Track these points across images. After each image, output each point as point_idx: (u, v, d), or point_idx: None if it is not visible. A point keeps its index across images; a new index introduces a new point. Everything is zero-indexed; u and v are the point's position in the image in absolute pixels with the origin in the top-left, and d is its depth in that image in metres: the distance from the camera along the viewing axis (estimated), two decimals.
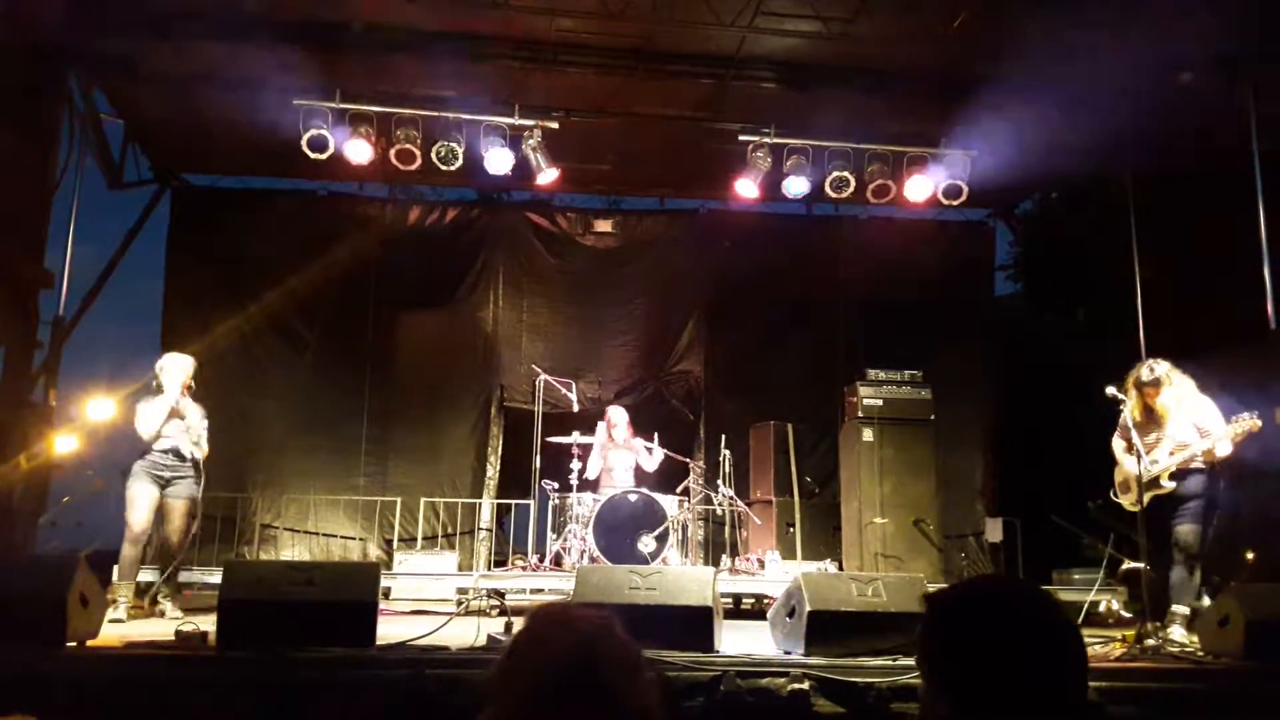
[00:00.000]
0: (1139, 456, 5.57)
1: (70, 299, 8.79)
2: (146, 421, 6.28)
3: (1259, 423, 5.42)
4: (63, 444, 7.99)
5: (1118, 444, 5.96)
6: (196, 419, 6.42)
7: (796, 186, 8.94)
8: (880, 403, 8.60)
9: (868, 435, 8.53)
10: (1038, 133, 8.66)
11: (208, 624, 4.74)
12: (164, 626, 5.50)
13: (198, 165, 10.30)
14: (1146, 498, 5.63)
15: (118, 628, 5.60)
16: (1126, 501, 5.85)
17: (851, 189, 8.85)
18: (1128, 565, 5.67)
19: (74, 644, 4.45)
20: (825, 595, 4.79)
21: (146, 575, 6.82)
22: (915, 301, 10.45)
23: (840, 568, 8.35)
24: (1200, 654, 5.05)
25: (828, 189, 8.86)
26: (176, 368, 6.41)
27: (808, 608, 4.69)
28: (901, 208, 9.45)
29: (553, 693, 1.44)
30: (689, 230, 10.79)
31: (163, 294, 10.02)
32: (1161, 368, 5.75)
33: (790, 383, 10.15)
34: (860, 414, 8.60)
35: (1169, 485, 5.67)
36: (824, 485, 9.50)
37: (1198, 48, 7.62)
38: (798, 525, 8.80)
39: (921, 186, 8.95)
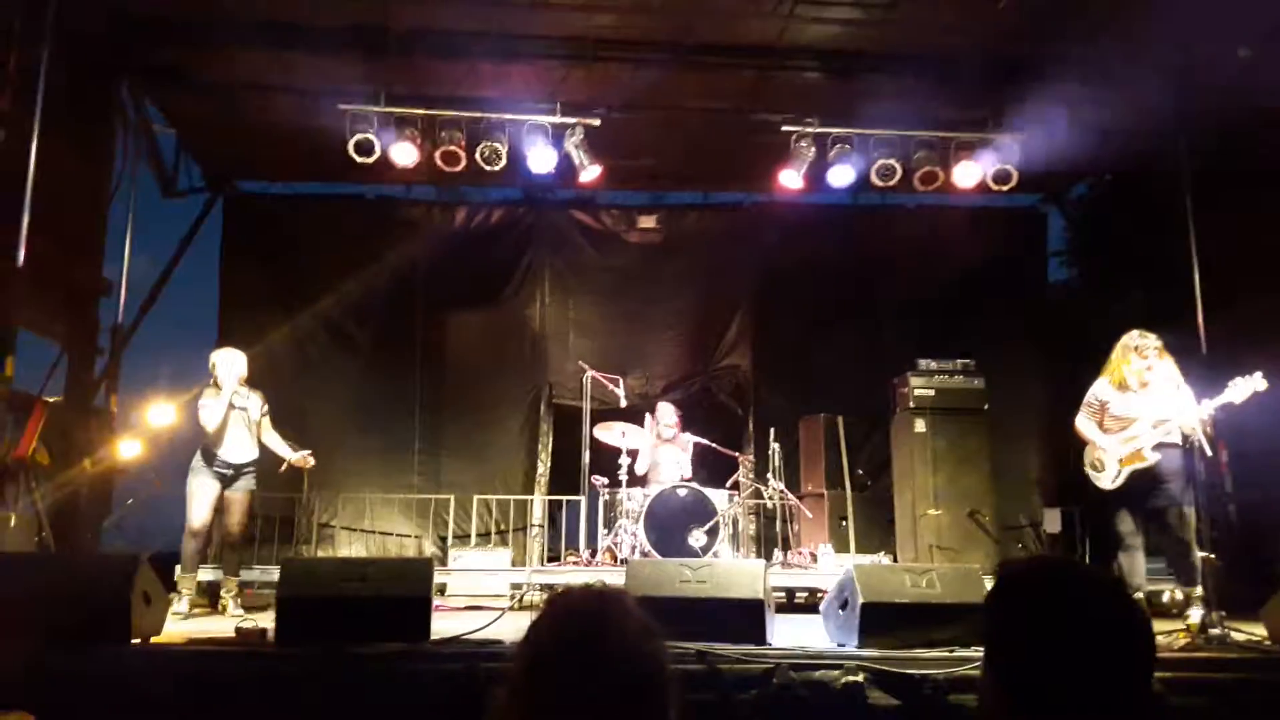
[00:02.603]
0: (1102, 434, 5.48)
1: (128, 306, 9.03)
2: (210, 414, 6.50)
3: (1264, 382, 5.23)
4: (126, 449, 8.20)
5: (1087, 423, 5.79)
6: (256, 408, 6.68)
7: (841, 176, 8.87)
8: (932, 393, 8.50)
9: (920, 426, 8.43)
10: (1090, 114, 8.48)
11: (267, 621, 4.84)
12: (226, 624, 5.62)
13: (249, 172, 10.53)
14: (1126, 473, 5.53)
15: (181, 624, 5.73)
16: (1104, 480, 5.70)
17: (898, 177, 8.74)
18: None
19: (138, 641, 4.57)
20: (878, 587, 4.78)
21: (208, 574, 7.00)
22: (966, 290, 10.29)
23: (894, 560, 8.26)
24: (1267, 643, 4.91)
25: (874, 178, 8.76)
26: (229, 361, 6.63)
27: (860, 599, 4.67)
28: (950, 195, 9.32)
29: (554, 659, 1.46)
30: (733, 224, 10.75)
31: (217, 299, 10.26)
32: (1154, 338, 5.63)
33: (839, 375, 10.02)
34: (912, 404, 8.51)
35: (1152, 458, 5.50)
36: (876, 477, 9.40)
37: (1257, 21, 7.39)
38: (850, 518, 8.75)
39: (970, 173, 8.81)
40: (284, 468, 6.73)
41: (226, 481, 6.47)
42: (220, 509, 6.50)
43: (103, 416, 8.43)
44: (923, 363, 8.65)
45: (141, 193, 9.01)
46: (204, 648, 4.68)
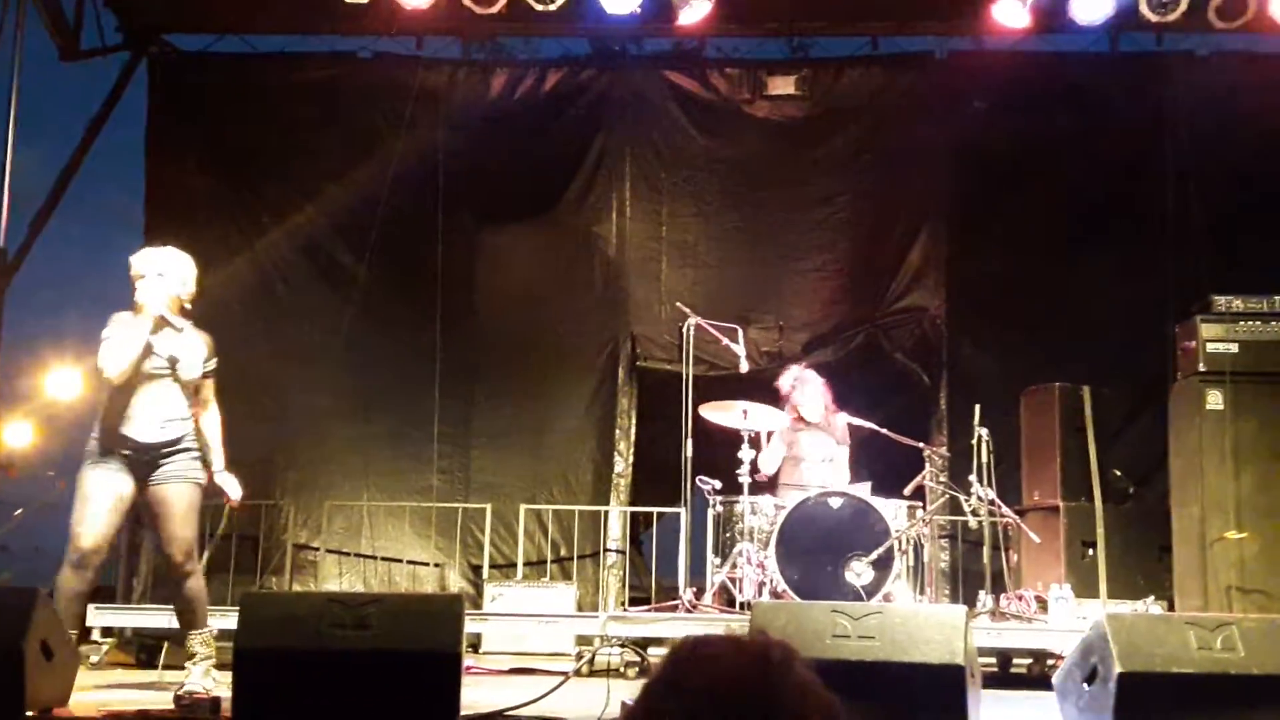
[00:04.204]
0: None
1: (13, 224, 9.31)
2: (111, 356, 5.77)
3: None
4: (13, 434, 8.49)
5: None
6: (193, 356, 5.95)
7: (1092, 6, 8.74)
8: (1235, 348, 8.30)
9: (1214, 400, 8.25)
10: None
11: (220, 685, 4.98)
12: (161, 691, 5.80)
13: (185, 21, 10.74)
14: None
15: (92, 692, 5.90)
16: None
17: (1183, 8, 8.59)
18: None
19: (34, 714, 4.75)
20: (1146, 649, 4.71)
21: (144, 619, 7.07)
22: None
23: (1171, 608, 8.16)
24: None
25: (1144, 9, 8.64)
26: (160, 266, 5.90)
27: (1117, 669, 4.61)
28: (1268, 35, 9.09)
29: None
30: (918, 87, 10.60)
31: (142, 212, 10.51)
32: None
33: (1085, 321, 9.90)
34: (1202, 367, 8.33)
35: None
36: (1143, 482, 9.30)
37: None
38: (1101, 544, 8.65)
39: None
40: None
41: (144, 471, 5.86)
42: (147, 519, 6.06)
43: None
44: (1220, 300, 8.42)
45: (29, 57, 9.25)
46: None
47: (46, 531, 8.69)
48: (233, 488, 6.06)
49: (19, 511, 8.62)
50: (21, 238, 9.58)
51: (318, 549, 10.02)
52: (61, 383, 8.62)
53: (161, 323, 5.81)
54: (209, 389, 6.09)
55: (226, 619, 6.28)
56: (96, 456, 5.82)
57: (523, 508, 9.84)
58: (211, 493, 6.10)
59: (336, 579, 9.97)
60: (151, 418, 5.84)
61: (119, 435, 5.80)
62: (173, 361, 5.86)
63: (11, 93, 9.04)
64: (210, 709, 4.93)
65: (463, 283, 10.49)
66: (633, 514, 10.14)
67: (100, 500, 5.75)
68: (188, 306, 6.02)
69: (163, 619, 7.00)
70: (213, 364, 6.05)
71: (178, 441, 5.90)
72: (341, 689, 4.69)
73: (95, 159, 10.43)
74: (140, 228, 10.46)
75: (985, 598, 8.34)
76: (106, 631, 7.77)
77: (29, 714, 4.70)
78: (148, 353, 5.78)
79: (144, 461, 5.82)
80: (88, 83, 10.59)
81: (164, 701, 5.29)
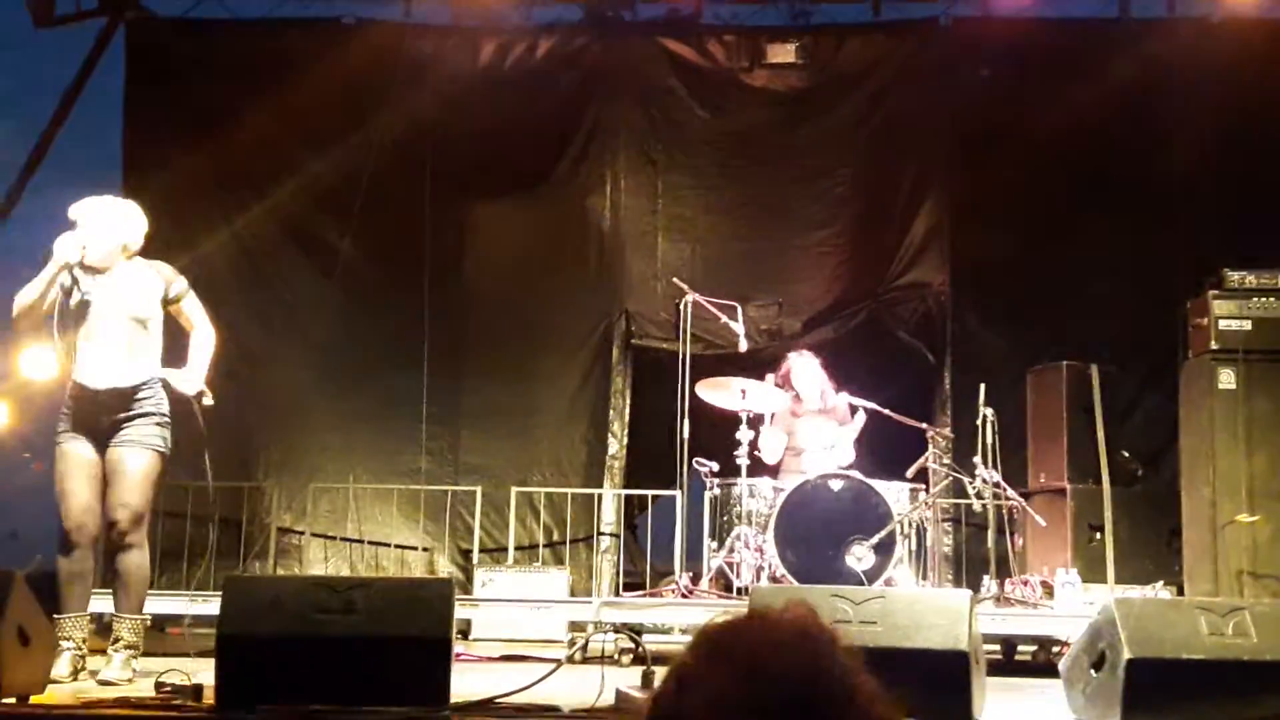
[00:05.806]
0: None
1: None
2: (18, 297, 5.84)
3: None
4: None
5: None
6: (143, 292, 5.96)
7: None
8: (1248, 326, 8.30)
9: (1226, 379, 8.27)
10: None
11: (202, 673, 4.97)
12: (141, 680, 5.79)
13: None
14: None
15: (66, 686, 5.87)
16: None
17: None
18: None
19: (11, 701, 4.73)
20: (1155, 635, 4.73)
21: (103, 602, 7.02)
22: None
23: (1180, 593, 8.19)
24: None
25: None
26: (92, 217, 5.90)
27: (1126, 655, 4.62)
28: None
29: None
30: (922, 55, 10.57)
31: (120, 184, 10.46)
32: None
33: (1093, 297, 9.89)
34: (1214, 345, 8.33)
35: None
36: (1152, 463, 9.31)
37: None
38: (1108, 528, 8.69)
39: None
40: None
41: (105, 436, 5.85)
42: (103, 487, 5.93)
43: None
44: (1233, 276, 8.42)
45: (5, 23, 9.22)
46: (108, 712, 4.83)
47: (21, 516, 8.69)
48: (189, 386, 5.98)
49: None
50: None
51: (302, 533, 10.02)
52: (36, 361, 8.56)
53: (69, 268, 5.75)
54: (188, 313, 6.13)
55: (209, 604, 6.28)
56: (62, 429, 5.88)
57: (514, 490, 9.82)
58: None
59: (322, 564, 9.97)
60: (108, 363, 5.85)
61: (78, 386, 5.84)
62: (114, 303, 5.86)
63: None
64: (192, 695, 4.91)
65: (451, 257, 10.44)
66: (627, 497, 10.13)
67: (72, 477, 5.83)
68: (129, 248, 5.98)
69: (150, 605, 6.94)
70: (177, 289, 6.04)
71: (138, 392, 5.88)
72: (328, 675, 4.70)
73: (74, 128, 10.40)
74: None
75: (989, 583, 8.35)
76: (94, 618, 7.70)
77: (6, 701, 4.70)
78: (81, 301, 5.78)
79: (106, 424, 5.84)
80: (65, 49, 10.56)
81: (144, 690, 5.28)
